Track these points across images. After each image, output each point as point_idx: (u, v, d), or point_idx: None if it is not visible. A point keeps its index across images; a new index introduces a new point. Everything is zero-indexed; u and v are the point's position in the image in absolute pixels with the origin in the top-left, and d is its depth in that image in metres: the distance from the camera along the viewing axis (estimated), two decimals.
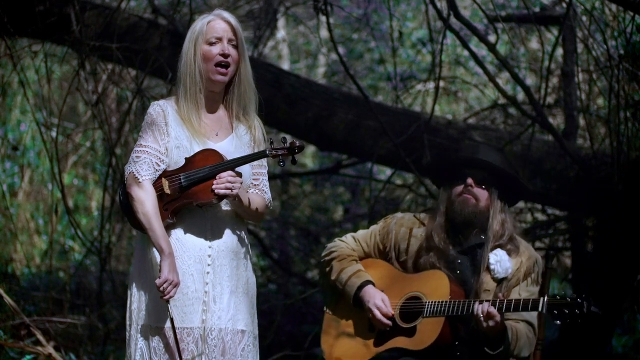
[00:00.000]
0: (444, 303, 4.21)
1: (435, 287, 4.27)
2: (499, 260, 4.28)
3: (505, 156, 4.50)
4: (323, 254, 4.57)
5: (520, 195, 4.54)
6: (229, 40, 4.03)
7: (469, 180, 4.33)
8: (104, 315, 7.28)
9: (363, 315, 4.38)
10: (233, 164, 3.97)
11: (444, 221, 4.36)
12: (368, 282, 4.39)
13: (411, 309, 4.30)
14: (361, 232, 4.57)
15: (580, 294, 4.03)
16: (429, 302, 4.25)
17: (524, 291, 4.28)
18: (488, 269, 4.30)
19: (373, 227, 4.55)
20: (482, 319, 4.11)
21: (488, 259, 4.29)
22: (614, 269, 6.12)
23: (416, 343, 4.23)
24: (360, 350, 4.37)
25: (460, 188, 4.34)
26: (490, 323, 4.11)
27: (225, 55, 4.00)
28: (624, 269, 6.14)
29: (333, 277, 4.45)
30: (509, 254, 4.31)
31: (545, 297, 4.06)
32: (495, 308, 4.12)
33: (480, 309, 4.11)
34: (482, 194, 4.33)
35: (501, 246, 4.32)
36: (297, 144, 3.97)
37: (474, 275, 4.32)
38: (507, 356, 4.24)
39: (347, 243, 4.53)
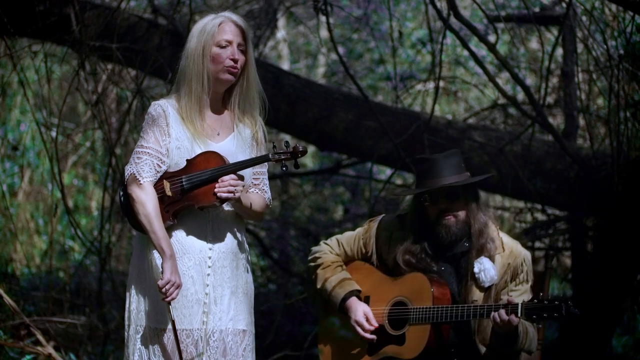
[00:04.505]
0: (428, 309, 4.20)
1: (418, 291, 4.26)
2: (483, 270, 4.25)
3: (458, 153, 4.45)
4: (308, 258, 4.55)
5: (487, 183, 4.47)
6: (239, 45, 4.02)
7: (443, 206, 4.27)
8: (104, 315, 7.28)
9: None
10: (236, 168, 3.96)
11: (422, 240, 4.32)
12: (352, 292, 4.37)
13: (399, 316, 4.31)
14: (346, 235, 4.55)
15: (560, 295, 4.04)
16: (414, 309, 4.24)
17: (513, 292, 4.27)
18: (473, 278, 4.28)
19: (358, 230, 4.53)
20: (499, 324, 4.11)
21: (472, 268, 4.27)
22: (614, 269, 6.12)
23: (407, 351, 4.23)
24: (355, 359, 4.38)
25: (436, 211, 4.27)
26: (505, 328, 4.12)
27: (235, 60, 3.99)
28: (624, 269, 6.14)
29: (318, 286, 4.44)
30: (491, 256, 4.28)
31: (523, 302, 4.07)
32: (477, 315, 4.13)
33: (497, 316, 4.10)
34: (459, 206, 4.29)
35: (483, 248, 4.29)
36: (300, 149, 3.95)
37: (460, 285, 4.31)
38: (519, 351, 4.25)
39: (331, 247, 4.51)
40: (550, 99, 7.97)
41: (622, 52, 6.20)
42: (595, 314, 6.15)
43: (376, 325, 4.30)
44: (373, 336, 4.29)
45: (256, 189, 4.14)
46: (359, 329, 4.31)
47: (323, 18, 6.62)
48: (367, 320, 4.31)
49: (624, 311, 6.73)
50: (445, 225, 4.26)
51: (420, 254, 4.30)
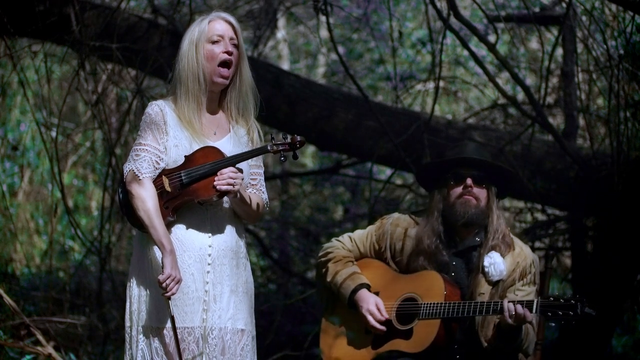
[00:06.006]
0: (439, 305, 4.21)
1: (430, 287, 4.27)
2: (493, 263, 4.27)
3: (489, 151, 4.50)
4: (319, 254, 4.56)
5: (514, 187, 4.51)
6: (230, 39, 4.04)
7: (469, 181, 4.30)
8: (104, 315, 7.28)
9: (360, 317, 4.38)
10: (234, 160, 3.97)
11: (439, 225, 4.34)
12: (362, 285, 4.38)
13: (407, 311, 4.30)
14: (358, 233, 4.56)
15: (575, 295, 4.03)
16: (424, 304, 4.25)
17: (520, 291, 4.28)
18: (482, 272, 4.29)
19: (369, 228, 4.55)
20: (508, 317, 4.11)
21: (483, 262, 4.29)
22: (614, 269, 6.12)
23: (413, 345, 4.23)
24: (359, 353, 4.37)
25: (459, 190, 4.31)
26: (518, 323, 4.12)
27: (229, 53, 4.01)
28: (624, 269, 6.14)
29: (328, 279, 4.45)
30: (502, 254, 4.30)
31: (539, 299, 4.07)
32: (489, 311, 4.13)
33: (512, 308, 4.10)
34: (481, 193, 4.32)
35: (495, 246, 4.31)
36: (298, 139, 3.97)
37: (469, 278, 4.32)
38: (518, 351, 4.25)
39: (343, 243, 4.53)
40: (550, 99, 7.96)
41: (622, 52, 6.20)
42: (596, 314, 6.14)
43: (387, 316, 4.30)
44: (383, 327, 4.29)
45: (254, 189, 4.14)
46: (370, 318, 4.30)
47: (323, 18, 6.62)
48: (379, 310, 4.31)
49: (624, 311, 6.73)
50: (464, 204, 4.27)
51: (436, 240, 4.30)
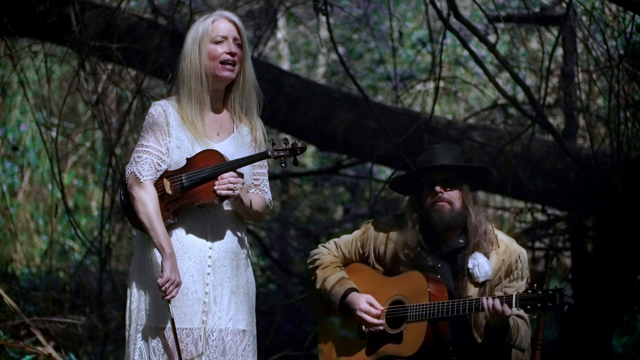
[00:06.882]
0: (424, 306, 4.22)
1: (416, 289, 4.28)
2: (477, 265, 4.27)
3: (458, 148, 4.48)
4: (307, 261, 4.58)
5: (486, 179, 4.49)
6: (234, 39, 4.04)
7: (438, 188, 4.30)
8: (104, 315, 7.28)
9: (352, 322, 4.40)
10: (235, 165, 3.97)
11: (417, 233, 4.34)
12: (351, 289, 4.40)
13: (396, 314, 4.32)
14: (343, 238, 4.59)
15: (553, 287, 4.05)
16: (411, 307, 4.26)
17: (508, 288, 4.28)
18: (468, 274, 4.29)
19: (355, 233, 4.57)
20: (492, 313, 4.11)
21: (467, 264, 4.29)
22: (614, 269, 6.12)
23: (405, 349, 4.25)
24: (354, 359, 4.39)
25: (431, 197, 4.32)
26: (497, 318, 4.12)
27: (232, 54, 4.01)
28: (624, 269, 6.14)
29: (318, 286, 4.47)
30: (486, 253, 4.29)
31: (517, 293, 4.08)
32: (472, 309, 4.13)
33: (491, 304, 4.11)
34: (453, 195, 4.32)
35: (478, 245, 4.30)
36: (299, 145, 3.96)
37: (455, 280, 4.32)
38: (509, 346, 4.25)
39: (329, 249, 4.55)
40: (550, 99, 7.97)
41: (622, 52, 6.20)
42: (595, 314, 6.15)
43: (381, 309, 4.31)
44: (381, 321, 4.30)
45: (256, 190, 4.15)
46: (366, 317, 4.31)
47: (323, 18, 6.62)
48: (372, 306, 4.32)
49: (624, 311, 6.73)
50: (438, 211, 4.28)
51: (416, 248, 4.32)
